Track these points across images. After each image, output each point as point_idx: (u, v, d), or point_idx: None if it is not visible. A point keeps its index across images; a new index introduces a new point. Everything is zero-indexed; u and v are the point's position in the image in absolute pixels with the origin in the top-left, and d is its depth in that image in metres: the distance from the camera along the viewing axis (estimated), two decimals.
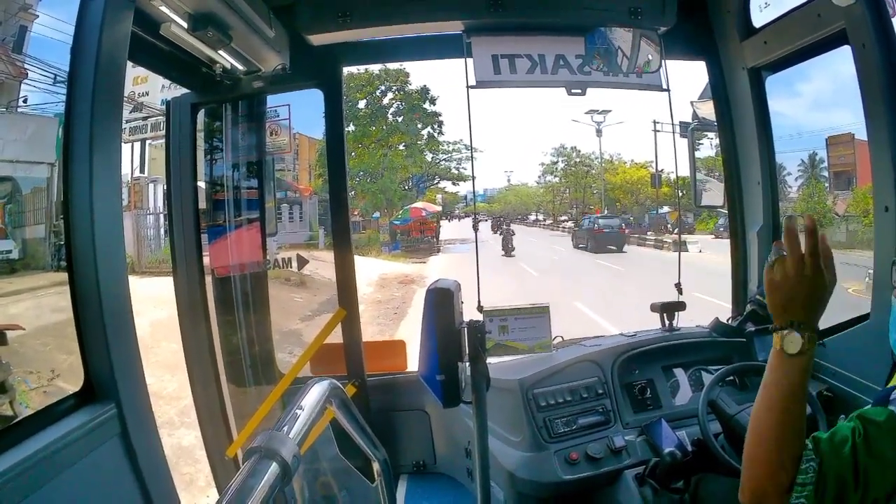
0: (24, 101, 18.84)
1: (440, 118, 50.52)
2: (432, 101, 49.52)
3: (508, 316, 4.58)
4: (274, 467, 1.83)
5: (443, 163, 54.52)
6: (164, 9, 3.28)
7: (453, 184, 58.62)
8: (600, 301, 22.52)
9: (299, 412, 2.22)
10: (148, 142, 31.81)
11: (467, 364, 3.22)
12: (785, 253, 2.00)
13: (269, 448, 1.88)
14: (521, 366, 4.46)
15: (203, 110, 4.84)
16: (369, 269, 29.48)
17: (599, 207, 63.46)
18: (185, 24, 3.48)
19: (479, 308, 4.67)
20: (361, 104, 47.92)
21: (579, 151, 68.95)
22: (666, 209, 54.45)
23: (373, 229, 44.53)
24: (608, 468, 3.95)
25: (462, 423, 4.47)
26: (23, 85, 18.47)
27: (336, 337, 4.87)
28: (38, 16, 18.52)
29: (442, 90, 54.77)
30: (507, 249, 39.63)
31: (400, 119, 49.03)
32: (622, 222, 48.47)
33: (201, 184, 4.87)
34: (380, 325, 19.46)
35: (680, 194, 35.24)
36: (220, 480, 4.80)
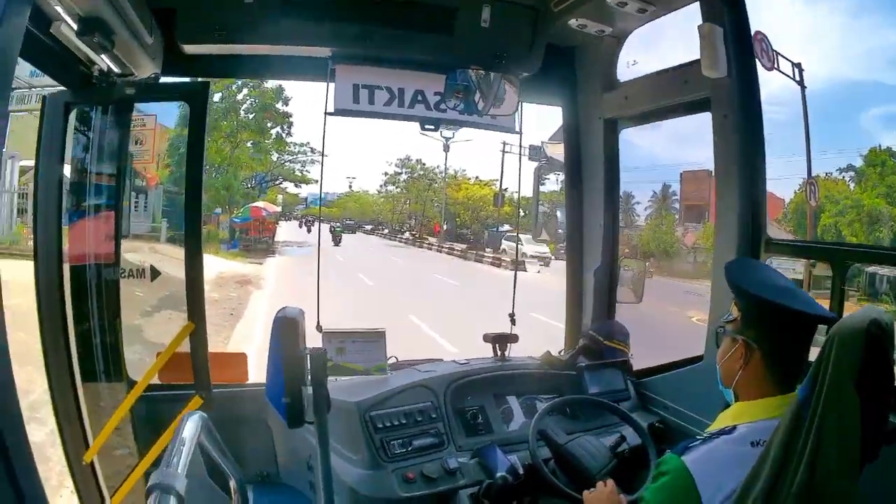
0: None
1: (291, 119, 49.78)
2: (285, 102, 48.72)
3: (346, 339, 4.73)
4: (172, 502, 2.04)
5: (288, 164, 53.97)
6: (58, 8, 3.22)
7: (295, 185, 58.20)
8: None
9: (182, 447, 2.41)
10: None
11: (310, 387, 3.34)
12: None
13: (167, 485, 2.08)
14: (359, 387, 4.56)
15: (75, 110, 4.69)
16: (207, 267, 28.75)
17: (438, 221, 63.83)
18: (74, 26, 3.42)
19: (318, 328, 4.79)
20: (216, 97, 46.39)
21: (424, 164, 69.21)
22: (506, 227, 54.92)
23: (213, 225, 43.47)
24: (443, 487, 4.03)
25: (303, 437, 4.46)
26: None
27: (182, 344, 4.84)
28: None
29: (296, 91, 53.95)
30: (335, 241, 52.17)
31: (251, 116, 47.99)
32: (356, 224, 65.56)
33: (67, 183, 4.77)
34: (215, 326, 18.79)
35: (522, 213, 35.88)
36: (79, 485, 4.67)
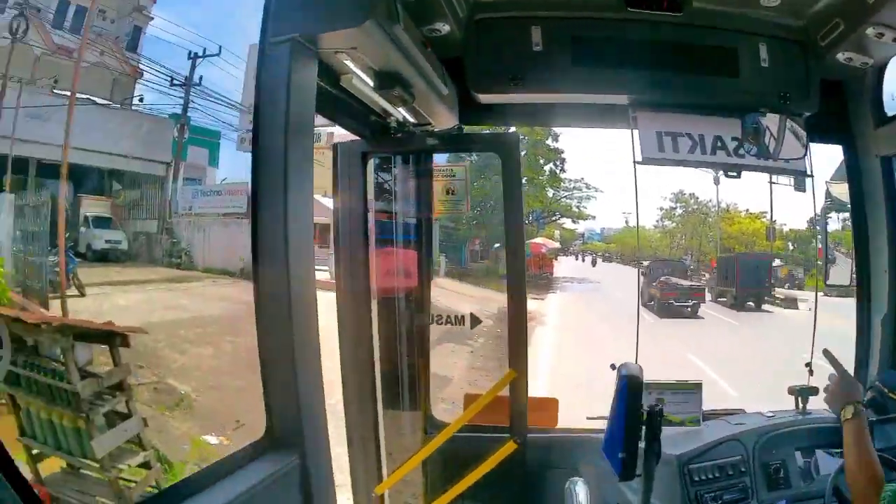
0: (140, 100, 19.40)
1: (562, 154, 49.69)
2: (555, 138, 48.62)
3: (665, 390, 4.80)
4: None
5: (563, 199, 53.87)
6: (348, 63, 3.43)
7: (573, 221, 58.00)
8: None
9: None
10: None
11: (643, 441, 3.39)
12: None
13: None
14: (674, 438, 4.54)
15: (373, 158, 4.97)
16: (489, 303, 29.11)
17: (714, 256, 62.31)
18: (370, 82, 3.66)
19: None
20: None
21: (697, 198, 67.96)
22: (777, 262, 52.87)
23: (489, 261, 43.81)
24: None
25: (613, 486, 4.33)
26: (137, 84, 19.15)
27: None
28: (152, 18, 19.44)
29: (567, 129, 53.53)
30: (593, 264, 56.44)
31: (523, 153, 47.74)
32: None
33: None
34: (498, 361, 19.26)
35: (791, 247, 34.62)
36: None
